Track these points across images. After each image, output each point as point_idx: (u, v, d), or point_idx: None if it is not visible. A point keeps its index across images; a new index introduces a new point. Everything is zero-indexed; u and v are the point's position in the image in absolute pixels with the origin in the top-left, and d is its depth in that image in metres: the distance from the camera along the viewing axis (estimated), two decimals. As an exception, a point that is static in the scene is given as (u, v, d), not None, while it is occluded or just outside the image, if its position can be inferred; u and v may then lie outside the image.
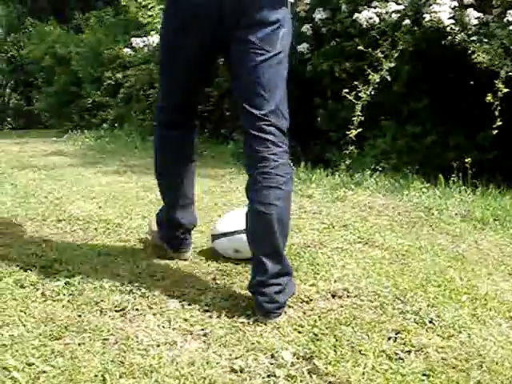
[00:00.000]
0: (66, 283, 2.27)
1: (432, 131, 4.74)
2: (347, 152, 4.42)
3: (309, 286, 2.22)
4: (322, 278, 2.30)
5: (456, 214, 3.48)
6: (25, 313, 2.02)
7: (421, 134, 4.76)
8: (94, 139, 7.95)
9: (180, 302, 2.10)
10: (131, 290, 2.20)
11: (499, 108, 3.91)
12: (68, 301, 2.12)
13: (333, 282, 2.26)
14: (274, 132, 2.02)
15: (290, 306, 2.04)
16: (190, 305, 2.07)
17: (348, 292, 2.18)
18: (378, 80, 4.25)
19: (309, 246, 2.69)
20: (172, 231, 2.51)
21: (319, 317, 1.97)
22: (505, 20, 4.08)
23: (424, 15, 4.22)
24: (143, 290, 2.20)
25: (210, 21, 2.01)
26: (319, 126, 5.33)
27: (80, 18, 11.47)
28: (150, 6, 7.63)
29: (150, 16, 7.49)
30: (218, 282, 2.27)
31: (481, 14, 4.16)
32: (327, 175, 4.48)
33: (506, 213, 3.52)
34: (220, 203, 3.60)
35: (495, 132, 3.89)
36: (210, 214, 3.35)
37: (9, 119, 15.28)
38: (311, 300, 2.11)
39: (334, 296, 2.16)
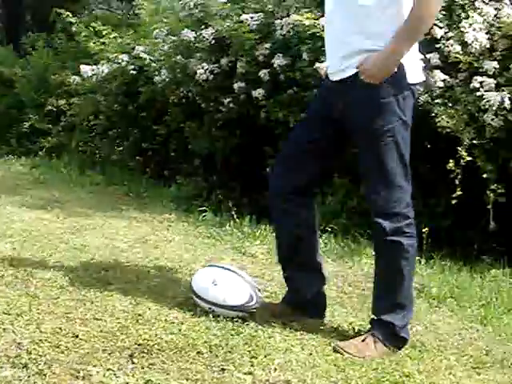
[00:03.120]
0: None
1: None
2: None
3: (244, 375, 1.85)
4: (261, 365, 1.93)
5: (411, 289, 3.19)
6: None
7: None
8: (29, 167, 7.45)
9: (84, 385, 1.71)
10: (26, 364, 1.79)
11: (459, 177, 3.70)
12: None
13: (273, 371, 1.90)
14: None
15: (218, 402, 1.68)
16: (95, 391, 1.68)
17: (290, 386, 1.82)
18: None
19: (247, 320, 2.31)
20: None
21: (254, 420, 1.61)
22: (471, 86, 3.89)
23: (389, 72, 4.00)
24: (42, 364, 1.80)
25: None
26: (267, 178, 5.02)
27: (27, 41, 11.00)
28: (104, 33, 7.27)
29: (102, 43, 7.13)
30: (135, 360, 1.88)
31: (447, 77, 3.97)
32: (272, 231, 4.14)
33: (463, 291, 3.27)
34: (151, 256, 3.21)
35: (454, 202, 3.66)
36: (138, 268, 2.96)
37: None
38: (245, 394, 1.75)
39: (273, 389, 1.80)
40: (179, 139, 5.90)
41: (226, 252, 3.54)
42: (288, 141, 2.53)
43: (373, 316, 2.34)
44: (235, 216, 4.26)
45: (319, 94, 2.56)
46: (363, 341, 2.23)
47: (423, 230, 3.75)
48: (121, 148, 6.99)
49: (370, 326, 2.33)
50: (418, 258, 3.72)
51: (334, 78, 2.31)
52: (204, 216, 4.44)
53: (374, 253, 2.41)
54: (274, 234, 2.63)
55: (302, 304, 2.46)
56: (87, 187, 5.75)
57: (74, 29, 7.74)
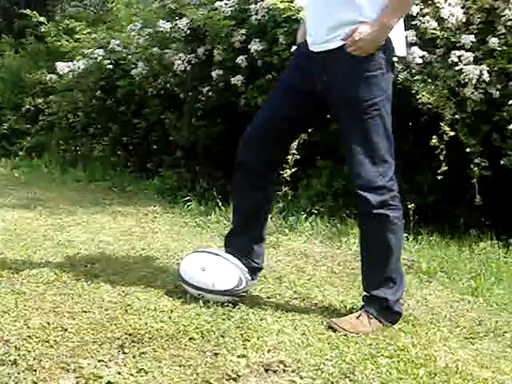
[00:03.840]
0: None
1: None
2: (280, 193, 4.08)
3: (237, 358, 1.83)
4: (254, 347, 1.91)
5: (400, 265, 3.19)
6: None
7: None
8: (10, 168, 7.36)
9: (76, 377, 1.68)
10: (15, 361, 1.76)
11: (444, 152, 3.70)
12: None
13: (266, 352, 1.88)
14: None
15: (213, 386, 1.65)
16: (87, 382, 1.64)
17: (285, 365, 1.80)
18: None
19: (238, 304, 2.29)
20: None
21: (250, 400, 1.59)
22: (449, 60, 3.88)
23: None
24: (31, 360, 1.76)
25: None
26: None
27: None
28: (77, 29, 7.19)
29: (76, 40, 7.04)
30: (126, 350, 1.85)
31: (425, 53, 3.95)
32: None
33: (452, 264, 3.27)
34: (138, 247, 3.17)
35: (440, 177, 3.65)
36: (125, 259, 2.93)
37: None
38: (240, 376, 1.73)
39: (267, 370, 1.78)
40: (160, 131, 5.86)
41: (213, 240, 3.51)
42: (262, 114, 2.46)
43: (364, 292, 2.32)
44: (220, 204, 4.23)
45: (295, 65, 2.43)
46: (358, 317, 2.22)
47: (409, 207, 3.75)
48: (102, 144, 6.93)
49: (362, 302, 2.32)
50: (405, 234, 3.74)
51: (318, 49, 2.25)
52: (189, 206, 4.40)
53: (359, 228, 2.38)
54: (235, 203, 2.63)
55: (253, 270, 2.50)
56: (69, 185, 5.69)
57: (42, 29, 7.65)
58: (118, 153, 6.56)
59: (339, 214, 4.20)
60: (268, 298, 2.44)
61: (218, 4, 4.98)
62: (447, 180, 3.85)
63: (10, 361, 1.77)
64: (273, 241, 3.46)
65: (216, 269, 2.33)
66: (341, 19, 2.18)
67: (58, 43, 7.21)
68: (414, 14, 4.01)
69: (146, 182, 5.54)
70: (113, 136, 6.63)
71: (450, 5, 3.99)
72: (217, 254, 2.42)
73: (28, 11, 7.62)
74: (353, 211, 4.12)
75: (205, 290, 2.29)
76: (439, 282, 3.02)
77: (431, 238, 3.76)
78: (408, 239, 3.68)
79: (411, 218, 3.76)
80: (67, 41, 7.19)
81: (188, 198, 4.55)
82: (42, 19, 7.63)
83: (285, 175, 3.98)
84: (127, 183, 5.58)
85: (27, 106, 8.17)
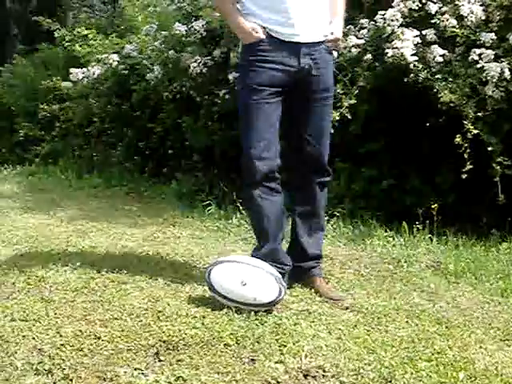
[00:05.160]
0: (-34, 359, 1.79)
1: (389, 174, 4.44)
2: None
3: (275, 364, 1.80)
4: (291, 352, 1.88)
5: (427, 267, 3.16)
6: None
7: (377, 178, 4.45)
8: (26, 176, 7.38)
9: (113, 387, 1.65)
10: (50, 370, 1.74)
11: (468, 151, 3.65)
12: (-33, 384, 1.65)
13: (304, 358, 1.85)
14: None
15: (253, 393, 1.63)
16: (125, 392, 1.62)
17: (324, 371, 1.77)
18: (337, 118, 3.91)
19: (270, 310, 2.26)
20: None
21: (292, 408, 1.56)
22: (469, 59, 3.84)
23: (386, 51, 3.94)
24: (66, 369, 1.75)
25: None
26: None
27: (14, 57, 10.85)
28: (90, 37, 7.21)
29: (90, 46, 7.06)
30: (162, 357, 1.82)
31: (445, 52, 3.91)
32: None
33: (479, 264, 3.22)
34: (162, 252, 3.15)
35: (464, 176, 3.61)
36: (151, 265, 2.91)
37: None
38: (279, 383, 1.70)
39: (306, 376, 1.76)
40: (176, 135, 5.83)
41: (236, 244, 3.49)
42: (260, 122, 2.47)
43: (313, 258, 2.61)
44: (241, 208, 4.20)
45: (271, 62, 2.44)
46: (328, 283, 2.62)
47: (432, 207, 3.71)
48: (117, 149, 6.92)
49: (311, 274, 2.61)
50: (429, 235, 3.70)
51: (306, 40, 2.43)
52: (209, 210, 4.38)
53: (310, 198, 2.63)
54: (264, 219, 2.56)
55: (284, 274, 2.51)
56: (87, 191, 5.69)
57: (56, 35, 7.68)
58: (134, 158, 6.53)
59: (360, 216, 4.16)
60: (299, 302, 2.41)
61: (233, 6, 4.96)
62: (467, 180, 3.81)
63: (45, 370, 1.75)
64: (297, 244, 3.43)
65: (257, 283, 2.25)
66: (325, 15, 2.50)
67: (74, 47, 7.22)
68: (433, 13, 3.98)
69: (163, 186, 5.52)
70: (128, 141, 6.61)
71: (469, 2, 3.94)
72: (255, 266, 2.32)
73: (40, 18, 7.65)
74: (375, 213, 4.09)
75: (244, 303, 2.23)
76: (467, 283, 2.98)
77: (455, 239, 3.72)
78: (432, 240, 3.64)
79: (435, 219, 3.72)
80: (81, 45, 7.21)
81: (207, 202, 4.53)
82: (54, 26, 7.66)
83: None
84: (144, 188, 5.58)
85: (42, 113, 8.16)
